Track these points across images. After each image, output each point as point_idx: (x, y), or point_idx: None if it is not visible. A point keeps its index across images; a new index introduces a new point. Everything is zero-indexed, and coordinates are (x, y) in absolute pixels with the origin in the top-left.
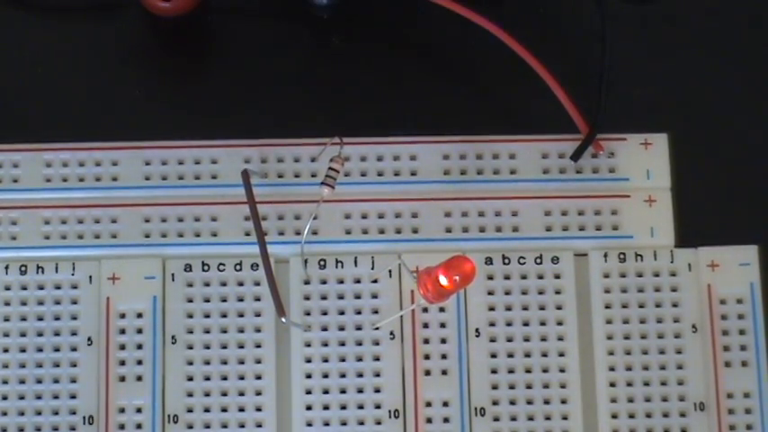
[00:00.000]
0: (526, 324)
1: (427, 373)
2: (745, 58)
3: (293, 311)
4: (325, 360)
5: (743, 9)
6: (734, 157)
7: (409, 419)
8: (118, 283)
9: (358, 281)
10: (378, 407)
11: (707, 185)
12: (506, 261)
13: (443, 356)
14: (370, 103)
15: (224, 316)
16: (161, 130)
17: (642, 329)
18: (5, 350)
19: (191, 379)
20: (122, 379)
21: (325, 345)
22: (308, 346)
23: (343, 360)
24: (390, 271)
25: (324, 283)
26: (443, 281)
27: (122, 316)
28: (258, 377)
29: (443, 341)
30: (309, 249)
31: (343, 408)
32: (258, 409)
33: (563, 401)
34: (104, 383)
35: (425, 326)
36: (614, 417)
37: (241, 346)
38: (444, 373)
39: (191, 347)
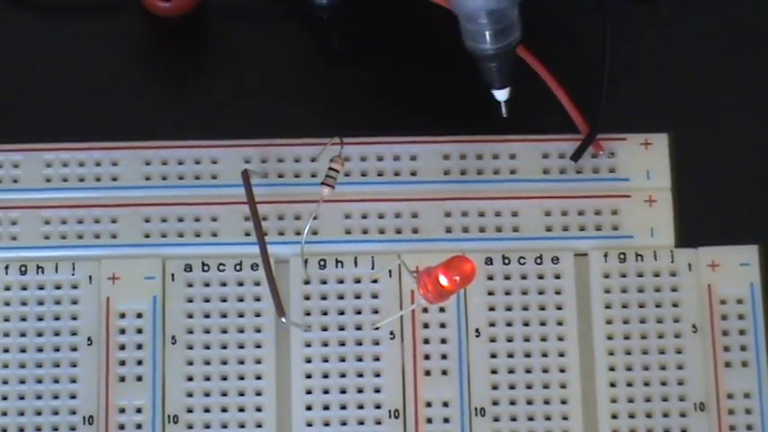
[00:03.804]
0: (526, 324)
1: (427, 373)
2: (745, 58)
3: (293, 311)
4: (325, 360)
5: (743, 9)
6: (734, 157)
7: (409, 419)
8: (118, 283)
9: (358, 281)
10: (378, 407)
11: (707, 185)
12: (506, 261)
13: (443, 356)
14: (370, 103)
15: (224, 316)
16: (161, 130)
17: (642, 329)
18: (6, 350)
19: (191, 379)
20: (122, 379)
21: (326, 345)
22: (308, 346)
23: (343, 360)
24: (390, 271)
25: (324, 283)
26: (443, 281)
27: (122, 316)
28: (258, 377)
29: (443, 341)
30: (309, 249)
31: (343, 408)
32: (258, 410)
33: (563, 401)
34: (104, 383)
35: (425, 326)
36: (614, 417)
37: (241, 347)
38: (444, 373)
39: (191, 347)
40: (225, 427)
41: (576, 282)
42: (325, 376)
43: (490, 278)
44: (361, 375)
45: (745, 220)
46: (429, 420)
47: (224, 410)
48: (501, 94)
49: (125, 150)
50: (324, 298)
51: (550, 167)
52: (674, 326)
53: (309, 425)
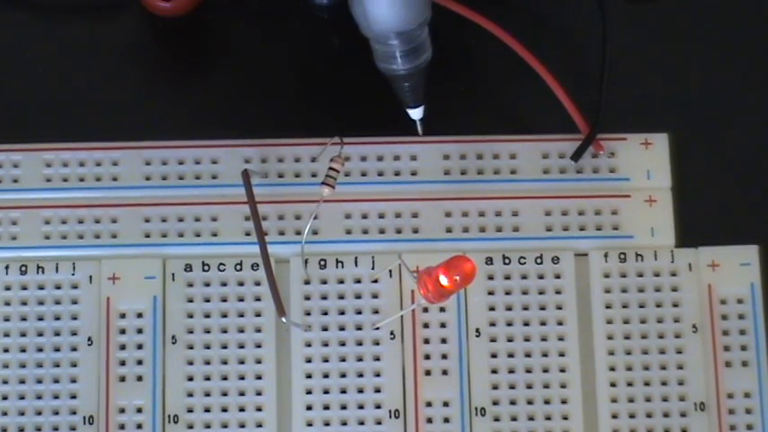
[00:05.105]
0: (526, 324)
1: (427, 373)
2: (745, 57)
3: (293, 311)
4: (326, 360)
5: (743, 9)
6: (734, 157)
7: (409, 419)
8: (118, 283)
9: (358, 281)
10: (378, 407)
11: (707, 185)
12: (507, 261)
13: (444, 356)
14: (370, 103)
15: (224, 316)
16: (161, 130)
17: (642, 329)
18: (6, 350)
19: (191, 379)
20: (122, 379)
21: (326, 345)
22: (309, 346)
23: (343, 360)
24: (391, 271)
25: (324, 283)
26: (444, 281)
27: (122, 316)
28: (258, 377)
29: (444, 341)
30: (310, 249)
31: (344, 408)
32: (258, 409)
33: (563, 401)
34: (104, 383)
35: (426, 326)
36: (615, 417)
37: (241, 346)
38: (445, 373)
39: (191, 347)
40: (225, 426)
41: (576, 282)
42: (326, 376)
43: (490, 278)
44: (361, 375)
45: (745, 220)
46: (429, 420)
47: (224, 410)
48: (415, 113)
49: (125, 150)
50: (324, 298)
51: (550, 167)
52: (675, 326)
53: (310, 425)
